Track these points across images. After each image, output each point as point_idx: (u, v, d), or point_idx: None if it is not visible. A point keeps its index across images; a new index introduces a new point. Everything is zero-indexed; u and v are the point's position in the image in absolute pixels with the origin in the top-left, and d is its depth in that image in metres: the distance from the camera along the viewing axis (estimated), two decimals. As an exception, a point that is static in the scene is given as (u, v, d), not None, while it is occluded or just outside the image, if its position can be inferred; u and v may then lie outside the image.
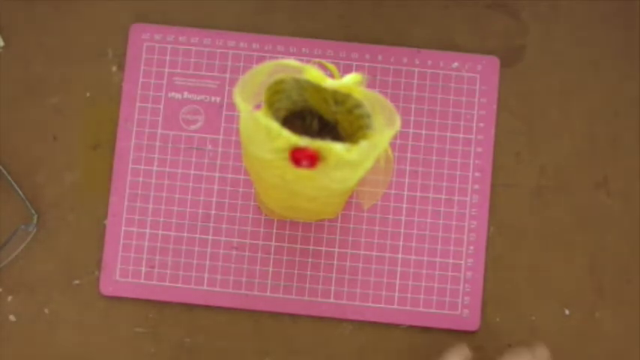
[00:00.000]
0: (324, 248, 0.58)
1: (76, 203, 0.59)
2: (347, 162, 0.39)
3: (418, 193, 0.59)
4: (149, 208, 0.59)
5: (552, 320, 0.58)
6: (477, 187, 0.59)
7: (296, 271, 0.58)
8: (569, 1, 0.61)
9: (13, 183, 0.58)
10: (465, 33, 0.61)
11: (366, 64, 0.60)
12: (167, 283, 0.58)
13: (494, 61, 0.60)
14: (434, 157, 0.59)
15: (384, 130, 0.40)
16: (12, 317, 0.58)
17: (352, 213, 0.59)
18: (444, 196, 0.59)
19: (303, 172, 0.40)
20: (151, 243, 0.58)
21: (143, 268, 0.58)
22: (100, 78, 0.60)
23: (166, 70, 0.60)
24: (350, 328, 0.58)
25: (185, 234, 0.58)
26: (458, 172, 0.59)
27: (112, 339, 0.58)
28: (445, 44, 0.60)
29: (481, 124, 0.59)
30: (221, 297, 0.58)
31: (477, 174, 0.59)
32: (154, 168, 0.59)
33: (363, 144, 0.39)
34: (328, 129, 0.47)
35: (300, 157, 0.38)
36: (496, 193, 0.59)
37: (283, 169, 0.40)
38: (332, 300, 0.58)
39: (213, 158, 0.59)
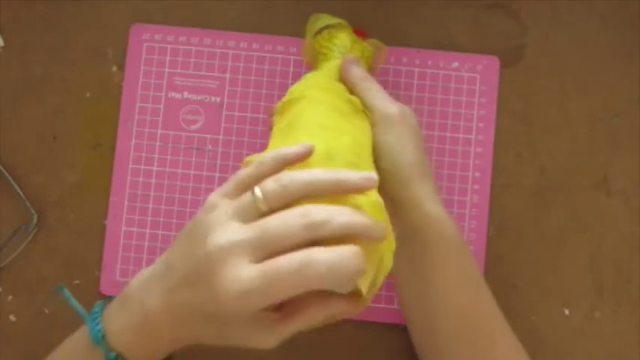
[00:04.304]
0: (324, 248, 0.58)
1: (76, 203, 0.59)
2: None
3: (418, 193, 0.59)
4: (149, 208, 0.58)
5: (552, 320, 0.58)
6: (476, 187, 0.59)
7: (296, 271, 0.58)
8: (569, 1, 0.61)
9: (13, 183, 0.58)
10: (465, 33, 0.61)
11: (366, 64, 0.60)
12: (167, 283, 0.58)
13: (494, 61, 0.60)
14: (434, 157, 0.59)
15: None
16: (12, 317, 0.58)
17: (352, 213, 0.58)
18: (444, 196, 0.58)
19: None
20: (151, 243, 0.58)
21: (143, 268, 0.58)
22: (100, 78, 0.60)
23: (166, 70, 0.60)
24: (350, 328, 0.58)
25: (185, 234, 0.58)
26: (458, 172, 0.59)
27: (112, 339, 0.58)
28: (445, 44, 0.60)
29: (481, 124, 0.59)
30: (221, 297, 0.58)
31: (476, 174, 0.59)
32: (154, 168, 0.59)
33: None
34: None
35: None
36: (496, 193, 0.59)
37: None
38: (332, 300, 0.58)
39: (213, 158, 0.59)
